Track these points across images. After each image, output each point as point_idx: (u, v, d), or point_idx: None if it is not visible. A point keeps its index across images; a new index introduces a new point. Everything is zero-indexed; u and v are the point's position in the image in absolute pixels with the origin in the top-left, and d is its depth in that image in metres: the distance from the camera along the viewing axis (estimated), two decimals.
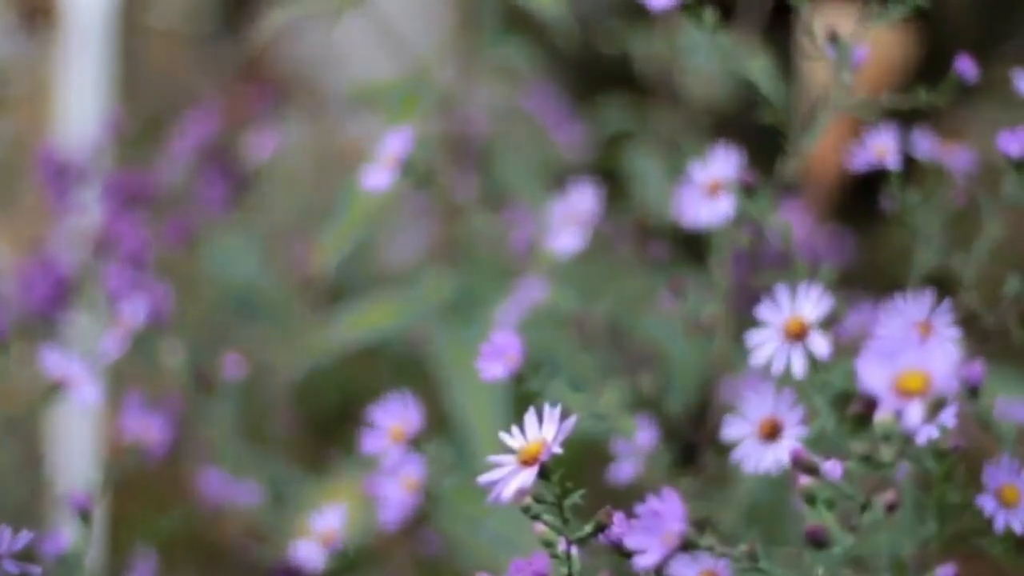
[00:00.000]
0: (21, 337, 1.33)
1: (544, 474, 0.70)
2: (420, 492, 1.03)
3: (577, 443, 0.85)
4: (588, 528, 0.71)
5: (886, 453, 0.65)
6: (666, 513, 0.67)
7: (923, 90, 1.00)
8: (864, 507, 0.68)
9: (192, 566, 1.52)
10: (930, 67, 1.02)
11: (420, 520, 1.06)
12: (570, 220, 1.19)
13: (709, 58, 1.38)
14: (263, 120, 1.71)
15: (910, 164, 1.00)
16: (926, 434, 0.74)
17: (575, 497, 0.71)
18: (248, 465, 1.37)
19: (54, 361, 1.08)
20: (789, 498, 1.06)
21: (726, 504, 1.07)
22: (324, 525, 1.04)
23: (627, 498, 0.71)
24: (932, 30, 1.67)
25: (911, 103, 1.01)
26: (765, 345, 0.84)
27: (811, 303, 0.84)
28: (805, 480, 0.70)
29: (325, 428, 1.54)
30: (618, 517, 0.70)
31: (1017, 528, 0.80)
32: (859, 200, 1.45)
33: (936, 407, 0.64)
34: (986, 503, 0.81)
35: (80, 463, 1.49)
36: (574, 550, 0.72)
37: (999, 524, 0.80)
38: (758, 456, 0.86)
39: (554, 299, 1.23)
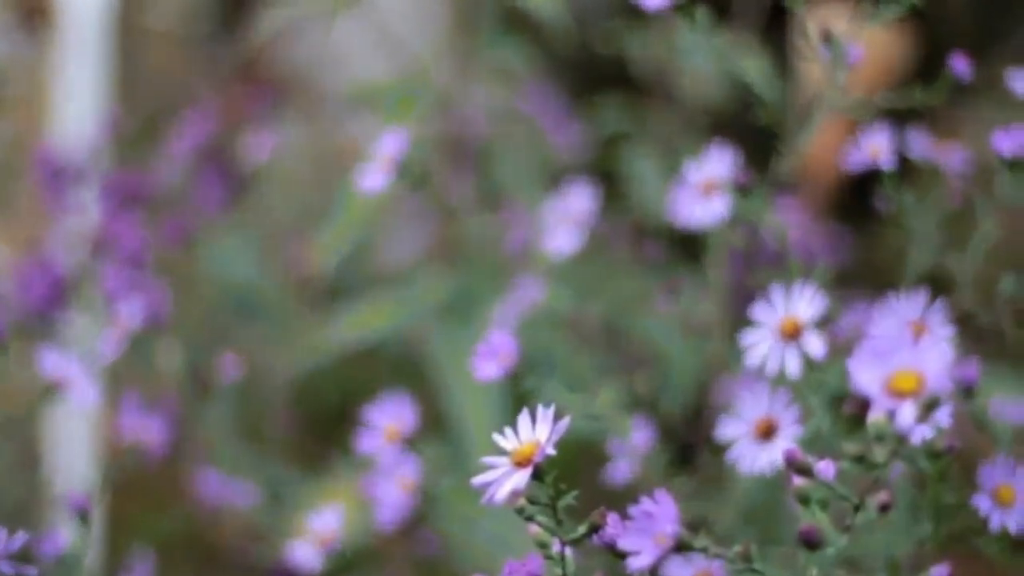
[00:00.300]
0: (19, 337, 1.32)
1: (538, 475, 0.70)
2: (416, 492, 1.03)
3: (573, 444, 0.85)
4: (582, 529, 0.71)
5: (879, 453, 0.65)
6: (659, 514, 0.67)
7: (919, 89, 1.00)
8: (858, 507, 0.68)
9: (190, 567, 1.52)
10: (928, 66, 1.02)
11: (417, 520, 1.06)
12: (567, 221, 1.19)
13: (706, 59, 1.38)
14: (261, 120, 1.71)
15: (908, 164, 1.01)
16: (920, 434, 0.74)
17: (569, 498, 0.71)
18: (246, 466, 1.37)
19: (52, 362, 1.08)
20: (785, 498, 1.06)
21: (722, 504, 1.07)
22: (321, 526, 1.05)
23: (624, 499, 0.71)
24: (930, 29, 1.67)
25: (906, 102, 1.01)
26: (760, 345, 0.84)
27: (805, 303, 0.84)
28: (799, 481, 0.70)
29: (323, 428, 1.54)
30: (612, 518, 0.70)
31: (1012, 528, 0.80)
32: (856, 200, 1.45)
33: (929, 407, 0.64)
34: (981, 503, 0.81)
35: (78, 464, 1.49)
36: (568, 551, 0.72)
37: (994, 524, 0.80)
38: (753, 456, 0.86)
39: (551, 299, 1.23)
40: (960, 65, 0.98)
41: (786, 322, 0.84)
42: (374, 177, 1.08)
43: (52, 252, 1.48)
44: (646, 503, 0.67)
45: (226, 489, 1.38)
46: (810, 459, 0.69)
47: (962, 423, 0.84)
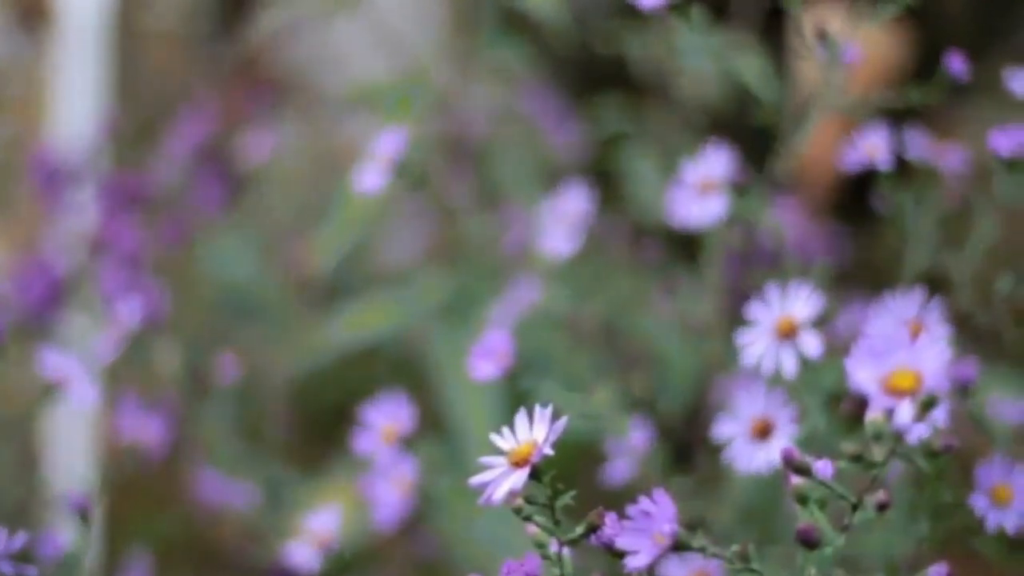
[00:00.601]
0: (18, 338, 1.33)
1: (535, 475, 0.70)
2: (414, 493, 1.03)
3: (572, 444, 0.85)
4: (580, 529, 0.71)
5: (877, 452, 0.65)
6: (657, 514, 0.67)
7: (916, 89, 1.00)
8: (856, 507, 0.68)
9: (189, 567, 1.52)
10: (926, 66, 1.02)
11: (415, 521, 1.06)
12: (565, 221, 1.19)
13: (703, 58, 1.38)
14: (260, 120, 1.71)
15: (906, 163, 1.00)
16: (917, 433, 0.74)
17: (567, 498, 0.71)
18: (244, 466, 1.37)
19: (51, 362, 1.08)
20: (783, 497, 1.06)
21: (720, 504, 1.07)
22: (319, 526, 1.05)
23: (623, 498, 0.71)
24: (928, 29, 1.67)
25: (903, 102, 1.01)
26: (756, 344, 0.84)
27: (802, 302, 0.84)
28: (797, 480, 0.70)
29: (322, 429, 1.54)
30: (610, 518, 0.70)
31: (1009, 527, 0.80)
32: (854, 199, 1.45)
33: (926, 406, 0.64)
34: (978, 502, 0.81)
35: (77, 464, 1.49)
36: (566, 551, 0.72)
37: (991, 523, 0.80)
38: (749, 455, 0.86)
39: (548, 299, 1.23)
40: (956, 65, 0.98)
41: (782, 321, 0.84)
42: (373, 177, 1.08)
43: (50, 252, 1.48)
44: (644, 503, 0.67)
45: (225, 489, 1.38)
46: (808, 458, 0.69)
47: (960, 422, 0.84)
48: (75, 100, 1.60)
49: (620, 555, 0.68)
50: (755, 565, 0.69)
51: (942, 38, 1.31)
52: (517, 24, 1.48)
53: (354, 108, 1.69)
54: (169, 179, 1.58)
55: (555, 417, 0.70)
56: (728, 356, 1.03)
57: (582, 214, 1.18)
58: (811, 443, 0.85)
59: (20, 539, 0.80)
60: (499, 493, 0.69)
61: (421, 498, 1.04)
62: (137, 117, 1.72)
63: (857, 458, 0.66)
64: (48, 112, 1.64)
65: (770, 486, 1.08)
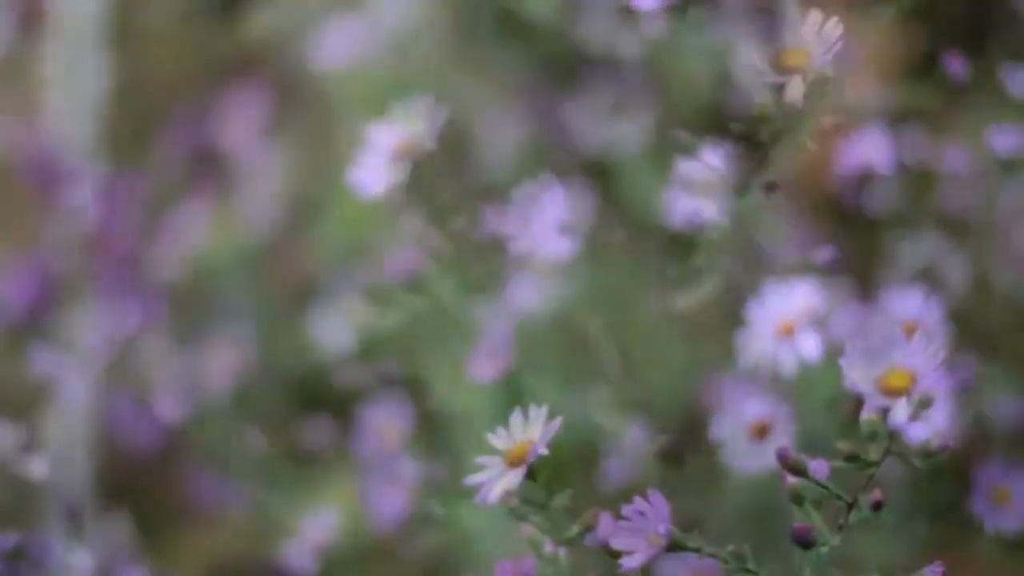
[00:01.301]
0: (12, 338, 1.33)
1: (531, 475, 0.70)
2: (413, 493, 1.03)
3: (568, 443, 0.85)
4: (574, 529, 0.71)
5: (872, 452, 0.65)
6: (653, 514, 0.67)
7: (915, 89, 1.00)
8: (851, 507, 0.68)
9: (184, 568, 1.52)
10: (927, 64, 1.03)
11: (413, 522, 1.06)
12: (562, 220, 1.19)
13: (702, 57, 1.38)
14: (256, 119, 1.71)
15: (904, 162, 1.00)
16: (914, 433, 0.74)
17: (562, 498, 0.71)
18: (241, 468, 1.37)
19: (46, 362, 1.08)
20: (781, 497, 1.06)
21: (717, 504, 1.07)
22: (317, 528, 1.05)
23: (621, 498, 0.71)
24: (929, 26, 1.67)
25: (903, 101, 1.01)
26: (754, 344, 0.84)
27: (800, 302, 0.84)
28: (792, 480, 0.69)
29: (319, 429, 1.54)
30: (605, 518, 0.70)
31: (1008, 529, 0.80)
32: (852, 199, 1.45)
33: (922, 406, 0.64)
34: (977, 504, 0.81)
35: (71, 465, 1.49)
36: (562, 551, 0.72)
37: (990, 525, 0.80)
38: (746, 456, 0.86)
39: (546, 300, 1.23)
40: (955, 64, 0.98)
41: (780, 321, 0.84)
42: (369, 176, 1.08)
43: (46, 252, 1.47)
44: (640, 503, 0.67)
45: (221, 490, 1.38)
46: (804, 458, 0.69)
47: (957, 423, 0.84)
48: (72, 100, 1.60)
49: (616, 555, 0.68)
50: (751, 565, 0.69)
51: (942, 35, 1.31)
52: (515, 23, 1.48)
53: (351, 106, 1.69)
54: (165, 178, 1.58)
55: (551, 417, 0.70)
56: (726, 356, 1.03)
57: (580, 213, 1.18)
58: (810, 443, 0.85)
59: (13, 540, 0.80)
60: (494, 493, 0.69)
61: (420, 498, 1.04)
62: (134, 116, 1.71)
63: (853, 458, 0.66)
64: (44, 111, 1.64)
65: (768, 486, 1.08)
